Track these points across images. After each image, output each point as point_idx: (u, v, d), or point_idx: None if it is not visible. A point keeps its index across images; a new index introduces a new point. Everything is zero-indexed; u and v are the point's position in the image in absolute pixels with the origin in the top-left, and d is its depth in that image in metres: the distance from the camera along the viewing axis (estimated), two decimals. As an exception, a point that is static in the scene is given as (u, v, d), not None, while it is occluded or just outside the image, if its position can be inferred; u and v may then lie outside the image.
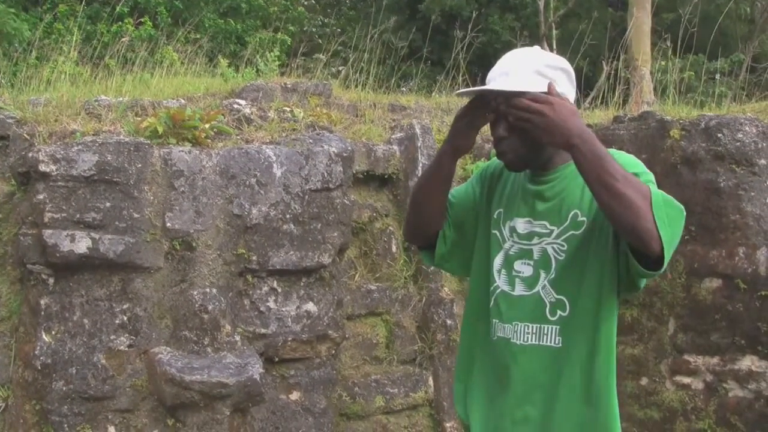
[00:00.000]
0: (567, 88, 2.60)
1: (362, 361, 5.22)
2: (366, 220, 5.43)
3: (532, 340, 2.63)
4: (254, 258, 4.38)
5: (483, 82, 2.67)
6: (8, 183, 4.41)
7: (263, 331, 4.43)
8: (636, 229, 2.32)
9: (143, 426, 4.18)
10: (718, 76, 10.01)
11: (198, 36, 10.71)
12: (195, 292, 4.26)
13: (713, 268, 5.06)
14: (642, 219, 2.31)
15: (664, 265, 2.37)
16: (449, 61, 8.06)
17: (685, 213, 2.47)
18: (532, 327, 2.63)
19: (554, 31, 15.28)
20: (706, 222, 5.09)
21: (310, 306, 4.57)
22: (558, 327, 2.60)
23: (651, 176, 2.54)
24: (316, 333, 4.57)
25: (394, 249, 5.48)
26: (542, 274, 2.63)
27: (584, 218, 2.57)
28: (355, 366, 5.17)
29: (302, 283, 4.56)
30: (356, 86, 7.09)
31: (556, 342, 2.60)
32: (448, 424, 5.24)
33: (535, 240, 2.65)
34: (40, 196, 4.03)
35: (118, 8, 10.75)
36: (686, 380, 5.22)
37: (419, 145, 5.60)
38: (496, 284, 2.72)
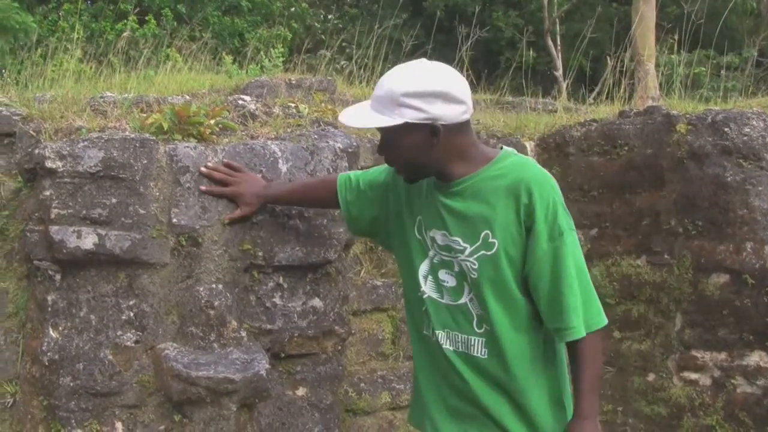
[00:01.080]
0: (442, 109, 2.60)
1: (368, 356, 5.22)
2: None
3: (462, 349, 2.69)
4: (260, 254, 4.37)
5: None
6: (14, 179, 4.41)
7: (269, 326, 4.42)
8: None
9: (150, 421, 4.18)
10: (723, 72, 9.99)
11: (201, 34, 10.75)
12: (201, 288, 4.25)
13: (720, 263, 5.05)
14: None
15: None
16: (453, 57, 8.06)
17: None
18: (461, 337, 2.71)
19: (558, 27, 15.27)
20: (713, 217, 5.08)
21: (316, 302, 4.56)
22: (483, 339, 2.64)
23: (568, 219, 2.63)
24: (322, 329, 4.56)
25: (400, 245, 5.47)
26: (465, 287, 2.67)
27: (495, 240, 2.60)
28: (361, 362, 5.17)
29: (308, 279, 4.55)
30: (360, 82, 7.09)
31: (483, 353, 2.64)
32: (454, 420, 5.23)
33: (453, 254, 2.71)
34: (47, 193, 4.03)
35: (121, 5, 10.77)
36: (694, 376, 5.21)
37: (425, 140, 5.59)
38: (422, 289, 2.76)
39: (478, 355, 2.62)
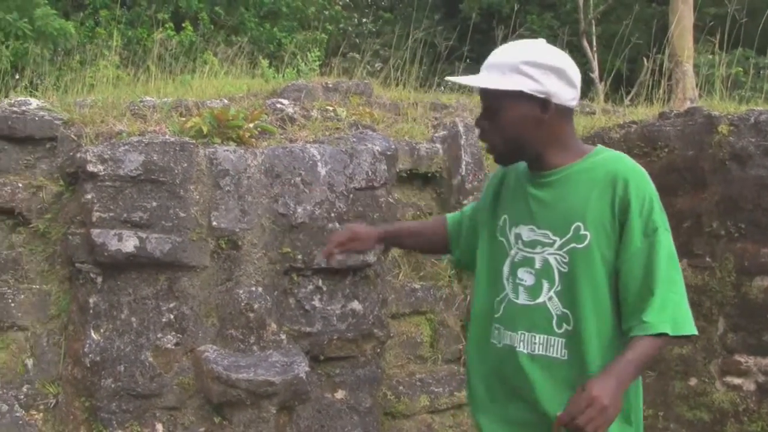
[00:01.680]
0: (550, 85, 2.54)
1: (407, 360, 5.20)
2: (410, 219, 5.41)
3: (539, 351, 2.57)
4: (299, 257, 4.38)
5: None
6: (57, 183, 4.45)
7: (308, 329, 4.43)
8: None
9: (190, 423, 4.20)
10: (765, 72, 9.88)
11: (238, 39, 10.79)
12: (241, 291, 4.27)
13: (764, 266, 4.97)
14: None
15: None
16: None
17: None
18: (539, 338, 2.57)
19: (594, 28, 15.17)
20: (756, 219, 5.00)
21: (355, 304, 4.56)
22: (564, 340, 2.54)
23: (664, 219, 2.58)
24: (361, 331, 4.57)
25: (438, 247, 5.46)
26: (545, 285, 2.56)
27: (587, 232, 2.49)
28: (399, 365, 5.15)
29: (347, 282, 4.55)
30: (396, 85, 7.08)
31: (563, 354, 2.55)
32: (493, 424, 5.21)
33: (538, 249, 2.60)
34: (88, 196, 4.07)
35: (159, 14, 10.84)
36: (737, 381, 5.13)
37: (462, 143, 5.57)
38: (505, 292, 2.67)
39: (558, 356, 2.54)
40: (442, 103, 6.59)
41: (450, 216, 3.10)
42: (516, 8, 13.75)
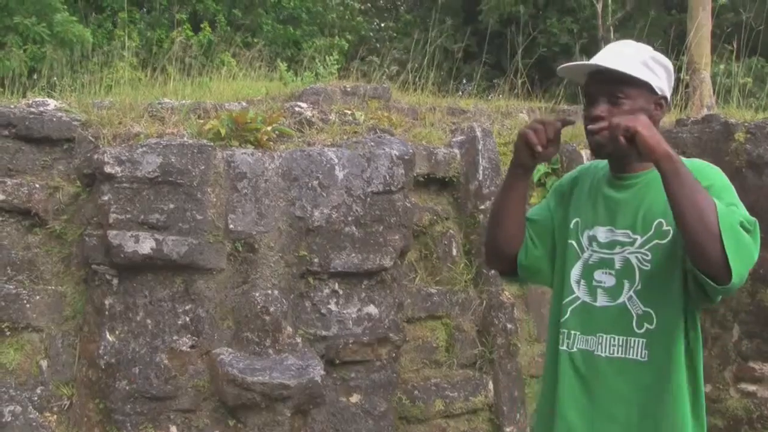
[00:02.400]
0: (665, 85, 2.57)
1: (422, 364, 5.20)
2: (426, 223, 5.41)
3: (618, 353, 2.52)
4: (316, 260, 4.38)
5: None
6: (73, 184, 4.46)
7: (324, 333, 4.43)
8: (705, 257, 2.28)
9: (204, 426, 4.20)
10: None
11: (255, 41, 10.81)
12: (257, 294, 4.27)
13: (781, 274, 4.96)
14: (711, 246, 2.26)
15: (729, 282, 2.29)
16: (507, 64, 8.02)
17: (758, 231, 2.39)
18: (619, 339, 2.53)
19: (612, 34, 15.14)
20: (773, 226, 4.98)
21: (371, 308, 4.55)
22: (645, 340, 2.50)
23: (731, 194, 2.45)
24: (376, 335, 4.56)
25: (454, 252, 5.45)
26: (626, 285, 2.53)
27: (669, 227, 2.46)
28: (414, 369, 5.14)
29: (363, 286, 4.55)
30: (415, 90, 7.07)
31: (643, 356, 2.50)
32: (507, 429, 5.20)
33: (617, 249, 2.57)
34: (105, 198, 4.07)
35: (177, 15, 10.88)
36: (751, 388, 5.12)
37: (480, 148, 5.57)
38: (575, 295, 2.63)
39: (638, 357, 2.52)
40: (459, 108, 6.59)
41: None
42: (533, 13, 13.70)
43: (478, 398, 5.20)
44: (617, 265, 2.55)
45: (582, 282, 2.62)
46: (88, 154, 4.36)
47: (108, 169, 4.06)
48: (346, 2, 15.37)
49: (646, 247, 2.49)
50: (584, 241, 2.64)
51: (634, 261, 2.53)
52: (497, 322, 5.34)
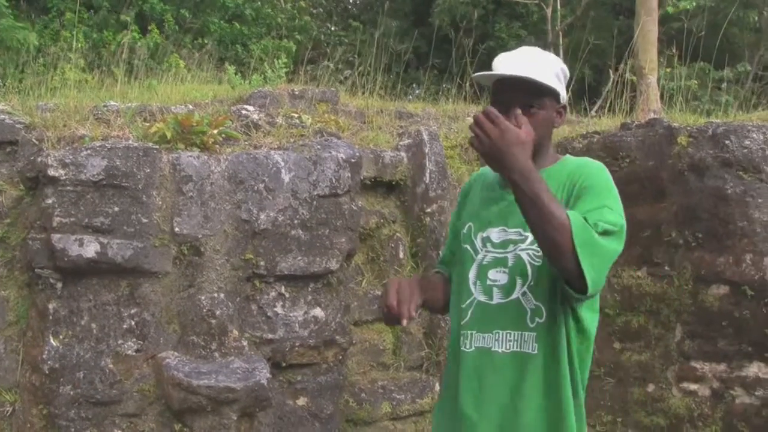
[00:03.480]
0: (562, 89, 2.68)
1: (369, 367, 5.22)
2: (373, 226, 5.43)
3: (514, 347, 2.62)
4: (262, 263, 4.39)
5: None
6: (17, 188, 4.42)
7: (270, 336, 4.43)
8: (563, 270, 2.42)
9: (150, 430, 4.19)
10: (724, 85, 10.01)
11: (204, 41, 10.76)
12: (203, 297, 4.26)
13: (720, 274, 5.05)
14: (566, 261, 2.38)
15: (586, 293, 2.43)
16: (455, 68, 8.08)
17: (624, 232, 2.51)
18: (514, 334, 2.63)
19: (561, 40, 15.28)
20: (713, 229, 5.08)
21: (318, 311, 4.57)
22: (535, 334, 2.60)
23: (607, 195, 2.55)
24: (323, 338, 4.57)
25: (401, 255, 5.48)
26: (518, 281, 2.63)
27: None
28: (361, 372, 5.16)
29: (310, 289, 4.56)
30: (363, 93, 7.10)
31: (533, 349, 2.60)
32: (454, 431, 5.23)
33: (510, 247, 2.66)
34: (49, 201, 4.04)
35: (122, 16, 10.78)
36: (693, 387, 5.21)
37: (427, 151, 5.61)
38: (473, 297, 2.71)
39: (530, 351, 2.59)
40: (407, 111, 6.63)
41: (440, 266, 3.07)
42: (482, 17, 13.80)
43: (425, 400, 5.24)
44: (510, 263, 2.65)
45: (478, 283, 2.71)
46: (32, 157, 4.32)
47: (52, 172, 4.03)
48: (295, 3, 15.36)
49: (537, 244, 2.56)
50: (478, 244, 2.73)
51: (525, 258, 2.62)
52: (444, 324, 5.38)
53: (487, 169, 2.85)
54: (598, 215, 2.45)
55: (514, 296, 2.64)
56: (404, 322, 2.58)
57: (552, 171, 2.65)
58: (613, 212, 2.51)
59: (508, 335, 2.63)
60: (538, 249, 2.58)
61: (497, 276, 2.67)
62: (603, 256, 2.44)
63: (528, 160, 2.38)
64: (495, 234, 2.70)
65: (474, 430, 2.68)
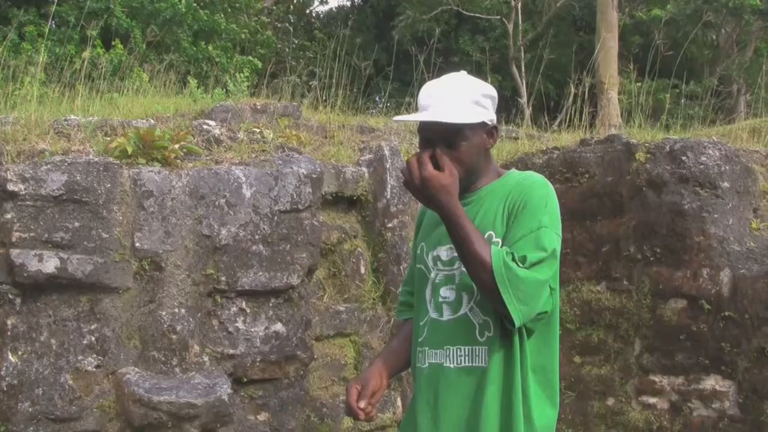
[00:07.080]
0: (494, 113, 2.74)
1: (330, 381, 5.22)
2: (335, 242, 5.45)
3: (465, 362, 2.67)
4: (223, 278, 4.39)
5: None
6: (-25, 202, 4.37)
7: (232, 351, 4.43)
8: (492, 304, 2.56)
9: (110, 447, 4.16)
10: (683, 101, 10.15)
11: (171, 56, 10.71)
12: (164, 313, 4.25)
13: (678, 289, 5.13)
14: (492, 298, 2.52)
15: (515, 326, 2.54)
16: (415, 81, 8.12)
17: (557, 254, 2.60)
18: (465, 349, 2.68)
19: (523, 54, 15.42)
20: (670, 244, 5.16)
21: (279, 327, 4.57)
22: (486, 347, 2.65)
23: (544, 214, 2.62)
24: (284, 354, 4.58)
25: (362, 270, 5.50)
26: (465, 297, 2.69)
27: (498, 239, 2.62)
28: (323, 387, 5.17)
29: (271, 304, 4.56)
30: (325, 107, 7.12)
31: (484, 362, 2.64)
32: (416, 445, 5.25)
33: (457, 264, 2.70)
34: (8, 216, 4.01)
35: (88, 31, 10.70)
36: (652, 400, 5.27)
37: (388, 167, 5.64)
38: (428, 315, 2.77)
39: (482, 364, 2.62)
40: (369, 126, 6.66)
41: (400, 314, 3.13)
42: (444, 32, 13.89)
43: (386, 415, 5.26)
44: (457, 280, 2.71)
45: (432, 301, 2.77)
46: (-9, 172, 4.29)
47: (11, 187, 4.01)
48: (258, 18, 15.37)
49: None
50: (429, 263, 2.80)
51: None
52: (405, 338, 5.39)
53: None
54: (529, 243, 2.54)
55: (462, 312, 2.68)
56: (362, 417, 2.74)
57: (493, 188, 2.74)
58: (548, 231, 2.58)
59: (458, 350, 2.68)
60: None
61: (447, 293, 2.73)
62: (529, 289, 2.52)
63: (451, 203, 2.54)
64: (444, 252, 2.75)
65: None
